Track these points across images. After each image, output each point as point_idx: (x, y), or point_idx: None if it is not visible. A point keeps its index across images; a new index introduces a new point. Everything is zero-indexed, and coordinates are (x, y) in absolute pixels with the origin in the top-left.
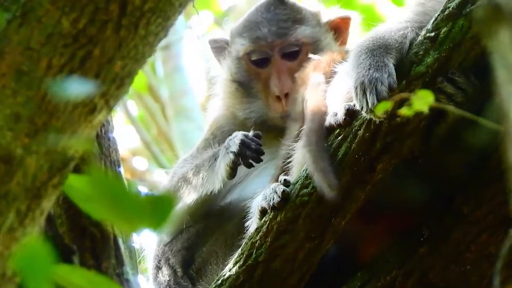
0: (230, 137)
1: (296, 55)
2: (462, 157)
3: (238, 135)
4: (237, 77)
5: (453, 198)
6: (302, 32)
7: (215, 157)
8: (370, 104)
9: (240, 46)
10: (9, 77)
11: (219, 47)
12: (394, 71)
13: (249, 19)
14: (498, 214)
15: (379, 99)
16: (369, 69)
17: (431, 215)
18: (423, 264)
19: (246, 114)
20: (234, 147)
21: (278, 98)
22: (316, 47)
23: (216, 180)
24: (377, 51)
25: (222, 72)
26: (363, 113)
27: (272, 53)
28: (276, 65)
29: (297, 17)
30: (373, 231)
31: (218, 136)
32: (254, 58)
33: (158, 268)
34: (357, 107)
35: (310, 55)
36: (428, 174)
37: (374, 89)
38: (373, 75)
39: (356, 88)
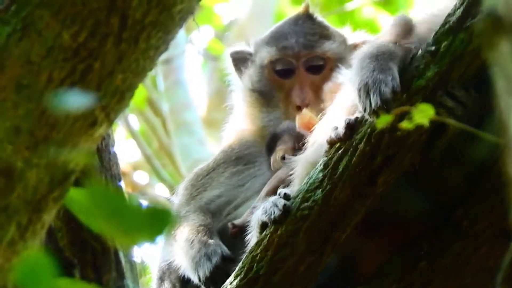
0: (210, 245)
1: (320, 69)
2: (462, 170)
3: (216, 256)
4: (258, 86)
5: (453, 211)
6: (329, 47)
7: (199, 255)
8: (373, 105)
9: (266, 54)
10: (9, 90)
11: (241, 58)
12: (397, 76)
13: (277, 30)
14: (498, 227)
15: (383, 100)
16: (373, 71)
17: (431, 228)
18: (423, 278)
19: (264, 123)
20: (208, 269)
21: (299, 108)
22: (340, 65)
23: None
24: (381, 56)
25: (242, 82)
26: (366, 115)
27: (297, 65)
28: (300, 77)
29: (324, 32)
30: (373, 245)
31: (236, 149)
32: (278, 68)
33: (161, 280)
34: (360, 108)
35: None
36: (428, 187)
37: (378, 90)
38: (377, 77)
39: (359, 89)
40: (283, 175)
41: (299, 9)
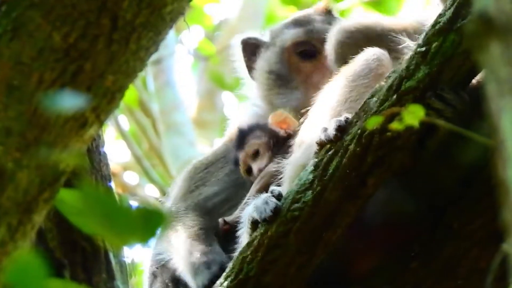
0: (210, 253)
1: None
2: (452, 172)
3: (215, 266)
4: (276, 67)
5: (444, 213)
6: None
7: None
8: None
9: (290, 36)
10: (0, 92)
11: (252, 44)
12: None
13: (300, 17)
14: (489, 229)
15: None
16: None
17: (423, 229)
18: (414, 279)
19: (282, 103)
20: (206, 278)
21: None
22: None
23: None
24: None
25: (256, 67)
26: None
27: (320, 49)
28: (322, 61)
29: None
30: (365, 246)
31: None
32: (301, 49)
33: (154, 276)
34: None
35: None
36: (419, 188)
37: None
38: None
39: None
40: (273, 170)
41: (318, 4)
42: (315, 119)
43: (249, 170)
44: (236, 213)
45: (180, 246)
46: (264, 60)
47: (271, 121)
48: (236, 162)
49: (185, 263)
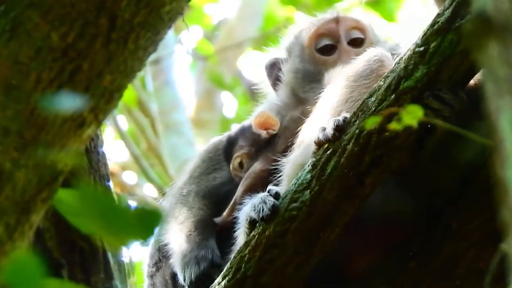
0: (203, 248)
1: (361, 43)
2: (451, 172)
3: (205, 262)
4: (302, 65)
5: (442, 213)
6: (367, 22)
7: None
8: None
9: (307, 34)
10: None
11: (274, 65)
12: None
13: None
14: (487, 228)
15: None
16: None
17: (420, 229)
18: (412, 279)
19: (305, 94)
20: (194, 273)
21: None
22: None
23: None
24: None
25: (284, 75)
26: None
27: (338, 39)
28: (342, 51)
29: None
30: (363, 246)
31: None
32: (320, 45)
33: (157, 268)
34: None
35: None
36: (417, 188)
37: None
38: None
39: None
40: (259, 170)
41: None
42: (315, 119)
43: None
44: (224, 215)
45: (176, 235)
46: (289, 68)
47: (253, 124)
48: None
49: (178, 251)
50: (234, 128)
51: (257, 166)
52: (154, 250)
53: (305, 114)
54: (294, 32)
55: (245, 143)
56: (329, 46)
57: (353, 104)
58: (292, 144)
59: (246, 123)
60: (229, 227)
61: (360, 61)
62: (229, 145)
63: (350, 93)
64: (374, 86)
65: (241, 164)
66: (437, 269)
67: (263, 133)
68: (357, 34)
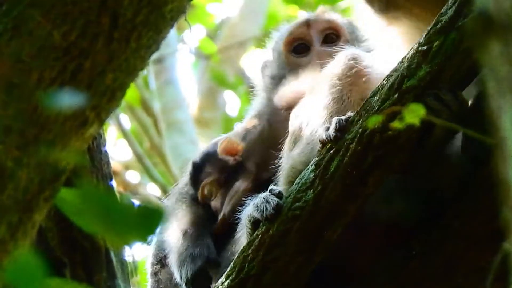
0: (198, 246)
1: (335, 40)
2: (451, 171)
3: (200, 260)
4: (278, 72)
5: (444, 212)
6: (338, 17)
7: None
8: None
9: (281, 37)
10: None
11: (263, 68)
12: None
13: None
14: (489, 227)
15: None
16: None
17: (422, 229)
18: (414, 278)
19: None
20: (190, 271)
21: None
22: (352, 38)
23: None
24: None
25: (265, 74)
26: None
27: (311, 38)
28: (316, 51)
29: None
30: (363, 245)
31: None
32: (294, 45)
33: (161, 264)
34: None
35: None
36: (417, 188)
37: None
38: None
39: None
40: (243, 189)
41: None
42: (307, 117)
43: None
44: (216, 227)
45: (172, 234)
46: (267, 74)
47: (220, 149)
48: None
49: (173, 253)
50: (198, 153)
51: (240, 185)
52: (158, 248)
53: (277, 122)
54: (275, 38)
55: (212, 170)
56: (302, 46)
57: (341, 102)
58: (264, 162)
59: (209, 147)
60: (224, 232)
61: (335, 62)
62: (196, 172)
63: (335, 93)
64: (378, 85)
65: (210, 192)
66: (438, 269)
67: (230, 160)
68: (329, 31)
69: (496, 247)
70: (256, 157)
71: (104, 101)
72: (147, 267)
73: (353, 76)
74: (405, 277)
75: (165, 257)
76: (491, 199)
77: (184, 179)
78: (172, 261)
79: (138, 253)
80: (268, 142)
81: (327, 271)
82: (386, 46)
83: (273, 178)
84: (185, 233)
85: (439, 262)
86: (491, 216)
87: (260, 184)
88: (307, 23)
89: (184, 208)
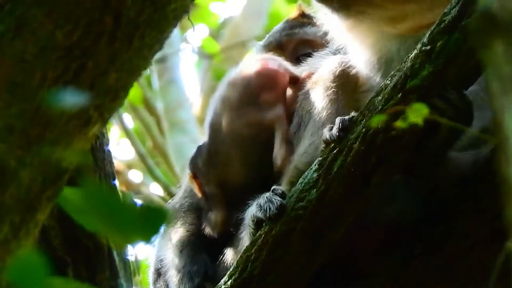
0: (195, 263)
1: (311, 53)
2: (454, 170)
3: (198, 277)
4: None
5: (446, 211)
6: (310, 31)
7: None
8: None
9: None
10: (2, 89)
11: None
12: None
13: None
14: (492, 226)
15: None
16: None
17: (423, 228)
18: (416, 277)
19: None
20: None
21: None
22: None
23: None
24: None
25: None
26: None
27: (285, 58)
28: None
29: (304, 20)
30: (365, 245)
31: None
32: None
33: (158, 274)
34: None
35: None
36: (420, 187)
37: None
38: None
39: None
40: (218, 219)
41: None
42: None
43: None
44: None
45: (169, 252)
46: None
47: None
48: None
49: (171, 271)
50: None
51: (215, 217)
52: (157, 257)
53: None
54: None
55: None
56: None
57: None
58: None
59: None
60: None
61: (328, 65)
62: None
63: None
64: (381, 85)
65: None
66: (440, 268)
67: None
68: (303, 49)
69: (498, 246)
70: (213, 178)
71: (107, 101)
72: (149, 273)
73: (345, 78)
74: (407, 275)
75: (162, 267)
76: (494, 199)
77: (182, 189)
78: (171, 279)
79: (141, 253)
80: (216, 158)
81: (328, 271)
82: (350, 47)
83: (244, 194)
84: (181, 251)
85: (441, 261)
86: (493, 215)
87: (237, 205)
88: (280, 46)
89: (180, 226)
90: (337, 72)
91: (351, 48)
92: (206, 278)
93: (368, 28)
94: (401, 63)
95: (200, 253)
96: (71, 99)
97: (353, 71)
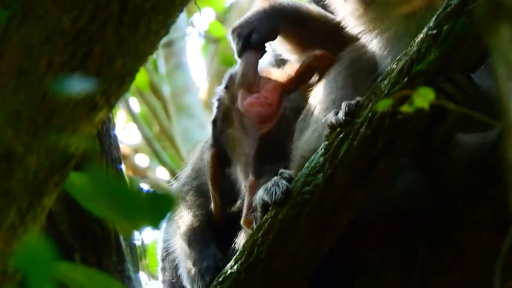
0: (205, 259)
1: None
2: (461, 157)
3: (209, 273)
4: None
5: (454, 199)
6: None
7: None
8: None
9: None
10: (9, 76)
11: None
12: None
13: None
14: (499, 214)
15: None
16: None
17: (431, 216)
18: (423, 265)
19: None
20: (202, 286)
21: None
22: None
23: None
24: None
25: None
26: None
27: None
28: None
29: None
30: (373, 233)
31: None
32: None
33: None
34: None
35: None
36: (428, 172)
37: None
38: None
39: None
40: (250, 183)
41: None
42: (311, 105)
43: None
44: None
45: (179, 246)
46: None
47: None
48: None
49: (182, 267)
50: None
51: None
52: (164, 244)
53: None
54: None
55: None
56: None
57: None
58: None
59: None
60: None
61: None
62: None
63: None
64: (387, 69)
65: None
66: (448, 256)
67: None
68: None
69: (505, 233)
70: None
71: (114, 86)
72: (158, 251)
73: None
74: (415, 263)
75: (168, 254)
76: (500, 184)
77: (186, 170)
78: (183, 276)
79: (147, 237)
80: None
81: (334, 259)
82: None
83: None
84: (189, 246)
85: (449, 249)
86: (502, 203)
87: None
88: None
89: (186, 215)
90: (348, 59)
91: (365, 35)
92: (217, 271)
93: (383, 10)
94: (408, 47)
95: (209, 245)
96: (78, 85)
97: (365, 57)
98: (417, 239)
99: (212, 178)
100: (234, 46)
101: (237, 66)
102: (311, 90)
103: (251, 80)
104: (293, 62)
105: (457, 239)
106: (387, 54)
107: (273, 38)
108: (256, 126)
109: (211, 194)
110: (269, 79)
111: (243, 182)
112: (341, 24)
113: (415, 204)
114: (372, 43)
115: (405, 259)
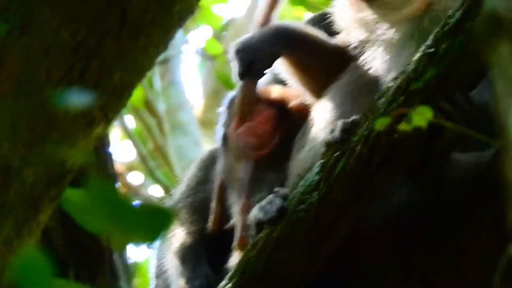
0: (196, 278)
1: None
2: (457, 172)
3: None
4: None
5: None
6: None
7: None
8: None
9: None
10: (7, 88)
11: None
12: None
13: None
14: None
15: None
16: None
17: (431, 219)
18: (422, 265)
19: None
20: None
21: None
22: None
23: None
24: None
25: None
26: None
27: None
28: None
29: None
30: (372, 234)
31: None
32: None
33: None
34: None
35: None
36: (424, 189)
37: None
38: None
39: None
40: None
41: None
42: (316, 121)
43: None
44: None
45: (171, 264)
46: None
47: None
48: None
49: (175, 286)
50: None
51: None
52: (158, 262)
53: None
54: None
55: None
56: None
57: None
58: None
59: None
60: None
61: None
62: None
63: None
64: (384, 88)
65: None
66: (446, 257)
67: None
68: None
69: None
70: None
71: (112, 101)
72: (151, 269)
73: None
74: (414, 263)
75: (162, 272)
76: (496, 202)
77: (181, 188)
78: None
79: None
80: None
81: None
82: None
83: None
84: (182, 264)
85: (447, 250)
86: (501, 205)
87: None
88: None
89: (179, 233)
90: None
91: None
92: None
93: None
94: (405, 65)
95: (200, 263)
96: (76, 98)
97: (365, 76)
98: (416, 239)
99: (219, 190)
100: (234, 68)
101: (237, 91)
102: (309, 109)
103: (246, 109)
104: (291, 83)
105: (456, 240)
106: (388, 68)
107: (274, 62)
108: (249, 153)
109: (214, 205)
110: (265, 108)
111: (235, 204)
112: (342, 47)
113: (415, 207)
114: (372, 57)
115: (404, 259)
